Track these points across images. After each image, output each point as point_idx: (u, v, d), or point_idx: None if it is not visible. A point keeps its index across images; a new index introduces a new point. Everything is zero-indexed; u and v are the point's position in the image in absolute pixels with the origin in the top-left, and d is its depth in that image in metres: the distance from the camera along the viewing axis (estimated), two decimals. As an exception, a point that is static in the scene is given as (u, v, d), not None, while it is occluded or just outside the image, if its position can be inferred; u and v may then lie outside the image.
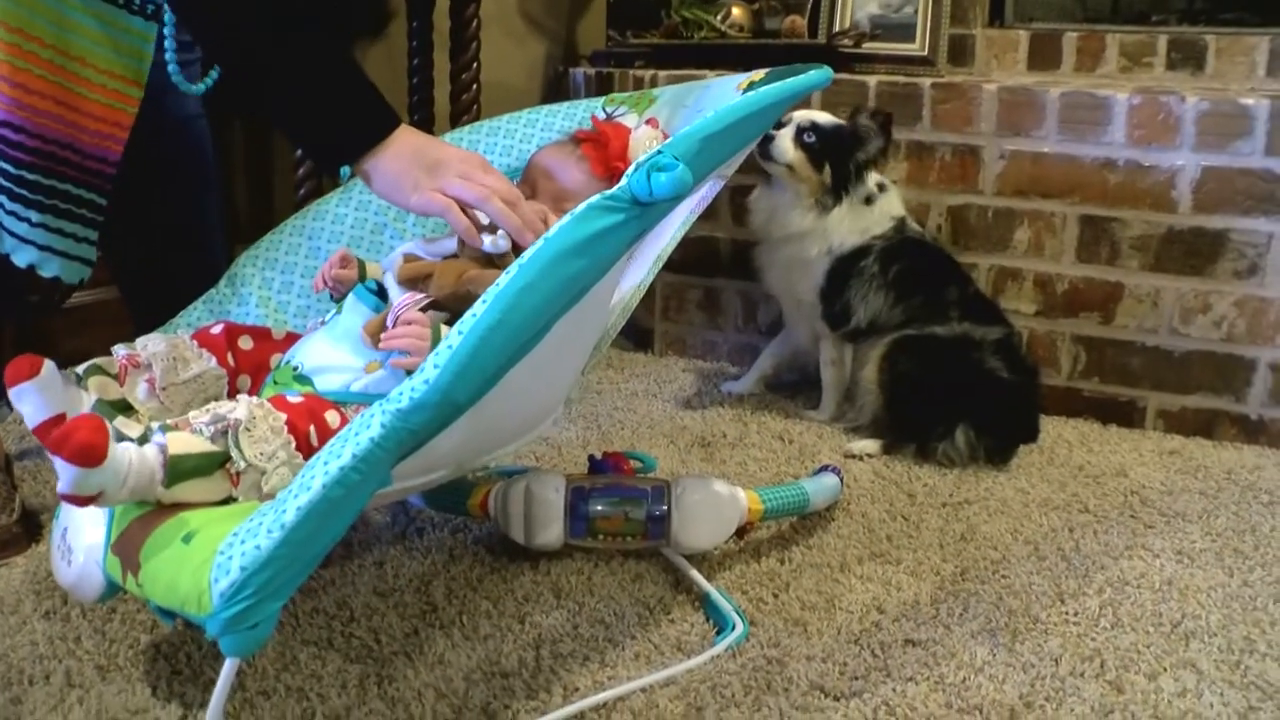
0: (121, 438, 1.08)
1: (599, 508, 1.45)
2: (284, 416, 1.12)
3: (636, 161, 1.11)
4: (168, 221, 1.71)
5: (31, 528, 1.61)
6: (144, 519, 1.06)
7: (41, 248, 1.45)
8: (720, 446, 1.96)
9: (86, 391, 1.24)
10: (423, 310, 1.22)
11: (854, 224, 2.03)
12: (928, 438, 1.93)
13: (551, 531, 1.44)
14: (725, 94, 1.51)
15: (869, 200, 2.04)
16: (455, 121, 2.55)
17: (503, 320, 1.00)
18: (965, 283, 2.08)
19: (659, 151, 1.11)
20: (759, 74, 1.48)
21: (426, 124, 2.74)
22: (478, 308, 1.01)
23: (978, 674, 1.28)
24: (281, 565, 0.93)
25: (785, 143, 1.98)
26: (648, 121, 1.45)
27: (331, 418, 1.17)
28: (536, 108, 1.67)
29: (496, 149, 1.60)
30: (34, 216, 1.43)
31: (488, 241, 1.24)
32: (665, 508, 1.45)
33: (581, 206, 1.07)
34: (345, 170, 1.37)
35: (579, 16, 3.12)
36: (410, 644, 1.33)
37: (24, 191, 1.41)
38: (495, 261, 1.24)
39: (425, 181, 1.28)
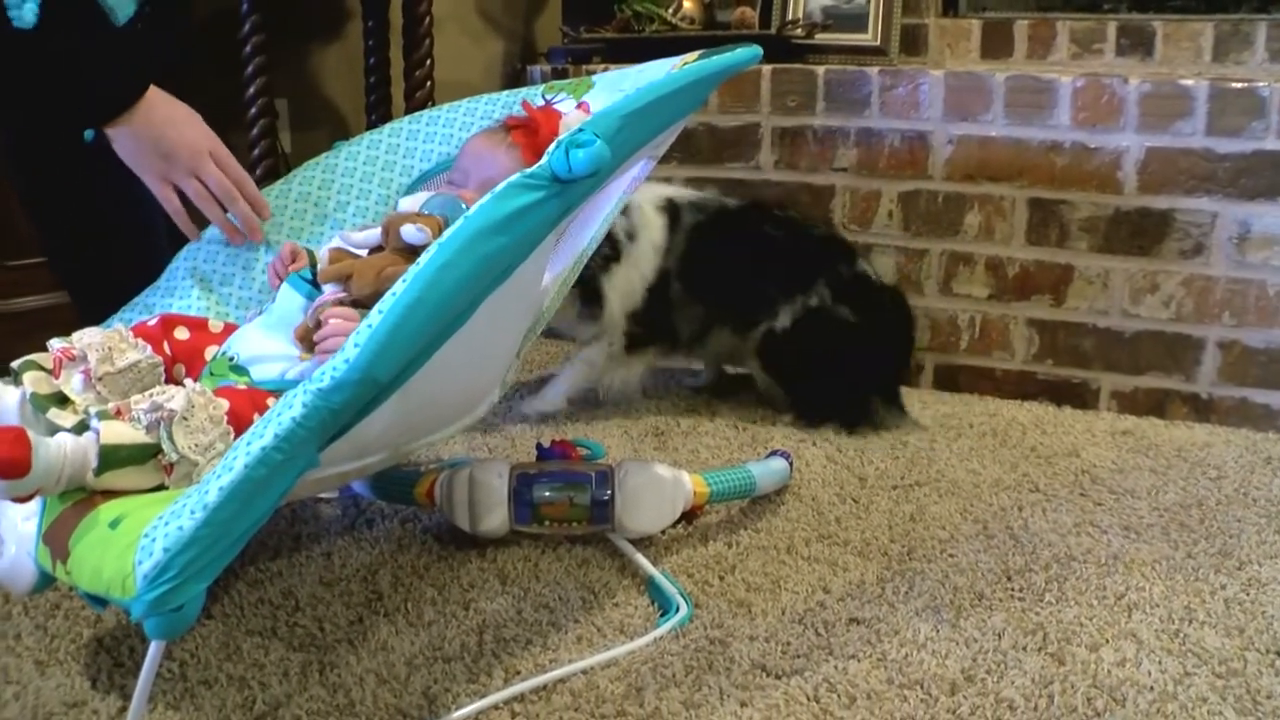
0: (55, 429, 1.08)
1: (544, 494, 1.45)
2: (225, 405, 1.12)
3: (557, 139, 1.11)
4: (108, 216, 1.70)
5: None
6: (75, 507, 1.06)
7: None
8: (673, 435, 1.97)
9: (19, 386, 1.23)
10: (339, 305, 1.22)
11: (628, 286, 2.00)
12: (847, 417, 1.99)
13: (495, 517, 1.44)
14: (659, 75, 1.51)
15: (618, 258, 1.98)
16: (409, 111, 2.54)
17: (422, 298, 1.00)
18: (784, 247, 2.06)
19: (579, 129, 1.12)
20: (693, 56, 1.49)
21: (384, 121, 2.74)
22: (397, 286, 1.01)
23: (920, 650, 1.29)
24: (204, 546, 0.93)
25: None
26: (579, 106, 1.45)
27: (265, 404, 1.17)
28: (477, 96, 1.67)
29: (437, 137, 1.61)
30: None
31: (408, 233, 1.24)
32: (609, 492, 1.45)
33: (502, 185, 1.08)
34: (89, 133, 1.45)
35: (536, 14, 3.13)
36: (354, 631, 1.32)
37: None
38: (419, 253, 1.24)
39: (159, 167, 1.41)
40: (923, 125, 2.17)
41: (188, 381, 1.20)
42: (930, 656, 1.27)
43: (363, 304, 1.21)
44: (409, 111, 2.55)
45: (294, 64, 2.80)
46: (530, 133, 1.39)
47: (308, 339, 1.21)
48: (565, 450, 1.58)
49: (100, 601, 1.03)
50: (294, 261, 1.38)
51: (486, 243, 1.05)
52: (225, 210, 1.45)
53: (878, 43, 2.59)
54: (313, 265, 1.37)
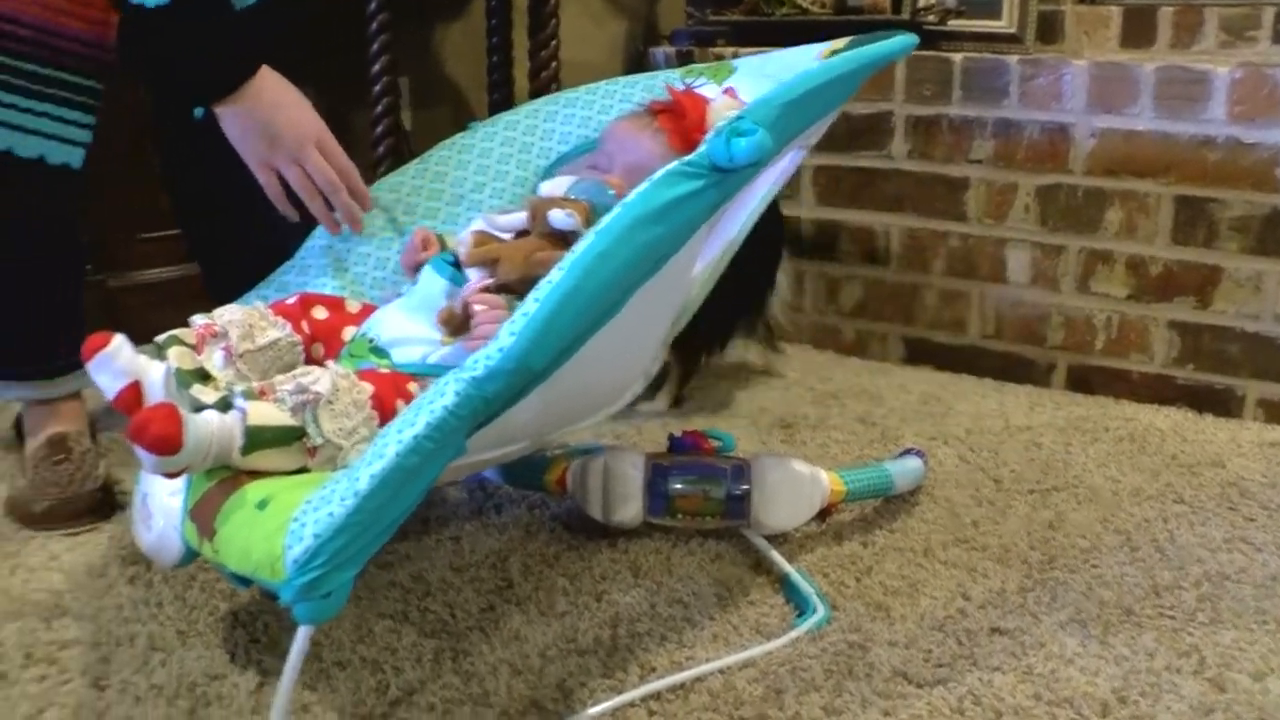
0: (200, 406, 1.08)
1: (678, 486, 1.42)
2: (369, 389, 1.11)
3: (715, 127, 1.08)
4: (240, 195, 1.71)
5: (115, 495, 1.63)
6: (221, 485, 1.05)
7: (48, 136, 1.48)
8: (801, 428, 1.93)
9: (164, 361, 1.23)
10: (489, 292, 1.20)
11: None
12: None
13: (630, 508, 1.42)
14: (805, 62, 1.47)
15: None
16: (533, 97, 2.53)
17: (578, 287, 0.98)
18: None
19: (739, 117, 1.09)
20: (840, 42, 1.44)
21: (505, 103, 2.73)
22: (554, 274, 0.99)
23: (1068, 665, 1.24)
24: (355, 533, 0.92)
25: None
26: (725, 91, 1.42)
27: (415, 391, 1.16)
28: (614, 79, 1.64)
29: (575, 119, 1.58)
30: (36, 106, 1.46)
31: (556, 218, 1.21)
32: (745, 487, 1.42)
33: (660, 173, 1.05)
34: (199, 111, 1.46)
35: (659, -6, 3.09)
36: (486, 619, 1.31)
37: (22, 81, 1.44)
38: (567, 239, 1.22)
39: (263, 150, 1.42)
40: (1064, 117, 2.10)
41: (330, 363, 1.20)
42: (1079, 673, 1.22)
43: (510, 289, 1.19)
44: (532, 92, 2.55)
45: (416, 42, 2.80)
46: (677, 118, 1.36)
47: (451, 323, 1.19)
48: (697, 441, 1.55)
49: (245, 581, 1.03)
50: (425, 249, 1.37)
51: (644, 232, 1.02)
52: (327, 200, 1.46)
53: (1013, 29, 2.51)
54: (443, 248, 1.35)
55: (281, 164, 1.43)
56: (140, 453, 1.01)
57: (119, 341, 1.17)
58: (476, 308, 1.16)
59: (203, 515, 1.05)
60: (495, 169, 1.53)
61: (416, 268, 1.37)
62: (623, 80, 1.62)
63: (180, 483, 1.11)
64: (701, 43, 2.65)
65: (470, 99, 2.97)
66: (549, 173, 1.54)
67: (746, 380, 2.18)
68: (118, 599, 1.36)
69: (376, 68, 2.43)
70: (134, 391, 1.18)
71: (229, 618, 1.31)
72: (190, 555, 1.12)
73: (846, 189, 2.32)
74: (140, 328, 1.65)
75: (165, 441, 0.99)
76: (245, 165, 1.57)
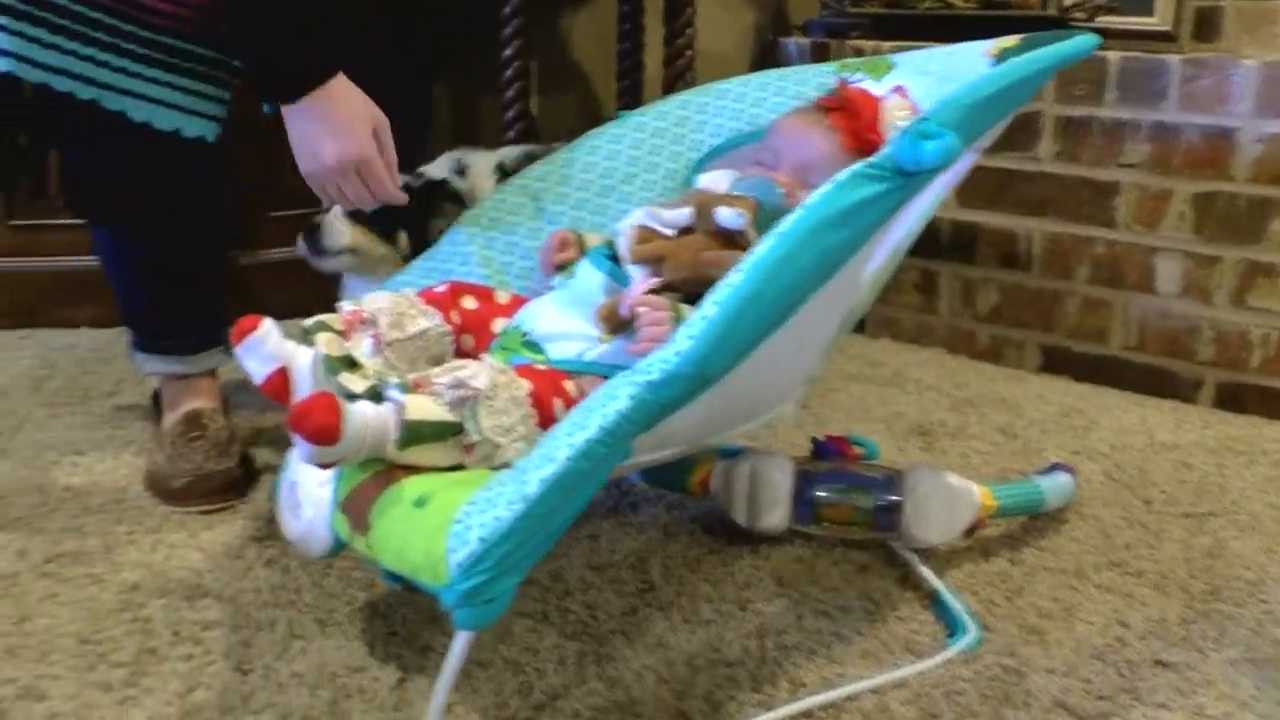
0: (349, 394, 1.06)
1: (825, 494, 1.38)
2: (527, 386, 1.08)
3: (901, 129, 1.03)
4: None
5: (252, 473, 1.63)
6: (374, 479, 1.03)
7: (185, 110, 1.49)
8: (939, 436, 1.87)
9: (312, 346, 1.22)
10: (656, 292, 1.16)
11: None
12: None
13: (776, 515, 1.38)
14: (972, 60, 1.42)
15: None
16: (668, 89, 2.49)
17: (760, 292, 0.94)
18: None
19: (924, 118, 1.04)
20: (1011, 40, 1.38)
21: (634, 91, 2.70)
22: (733, 277, 0.95)
23: (1243, 709, 1.17)
24: (521, 539, 0.89)
25: (336, 224, 1.65)
26: (896, 90, 1.36)
27: (570, 389, 1.13)
28: (766, 71, 1.59)
29: (727, 112, 1.54)
30: (175, 80, 1.47)
31: (724, 216, 1.17)
32: (896, 498, 1.37)
33: (843, 175, 1.00)
34: (267, 106, 1.41)
35: (793, -16, 3.03)
36: (628, 623, 1.28)
37: (161, 55, 1.44)
38: (732, 239, 1.17)
39: (309, 165, 1.38)
40: (1228, 121, 2.00)
41: (485, 357, 1.17)
42: (1256, 718, 1.15)
43: (675, 288, 1.15)
44: (665, 81, 2.51)
45: (545, 27, 2.78)
46: (850, 116, 1.31)
47: (612, 320, 1.16)
48: (842, 447, 1.50)
49: (398, 579, 1.00)
50: (563, 249, 1.34)
51: (827, 236, 0.98)
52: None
53: (1167, 27, 2.40)
54: (582, 248, 1.32)
55: (335, 176, 1.39)
56: (297, 441, 1.00)
57: (268, 325, 1.15)
58: (640, 310, 1.13)
59: (355, 508, 1.03)
60: (646, 160, 1.50)
61: (557, 268, 1.34)
62: (775, 73, 1.58)
63: (330, 473, 1.09)
64: (833, 34, 2.59)
65: (597, 86, 2.94)
66: (700, 166, 1.50)
67: (878, 382, 2.12)
68: (256, 582, 1.35)
69: (509, 52, 2.42)
70: (282, 377, 1.17)
71: (367, 609, 1.30)
72: (338, 547, 1.11)
73: (987, 190, 2.24)
74: (269, 307, 1.66)
75: (325, 432, 0.97)
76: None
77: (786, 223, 0.97)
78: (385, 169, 1.40)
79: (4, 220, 2.32)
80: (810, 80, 1.55)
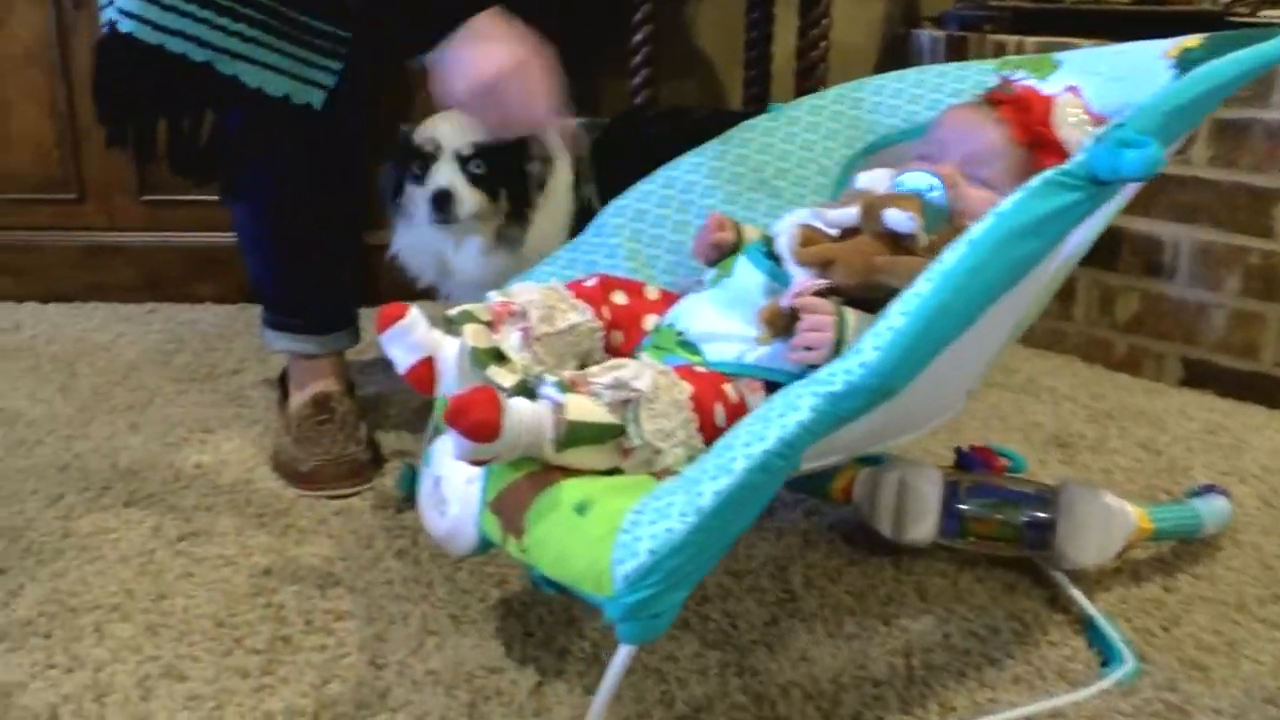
0: (496, 389, 1.03)
1: (974, 507, 1.33)
2: (689, 389, 1.05)
3: (1088, 133, 0.98)
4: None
5: (379, 457, 1.61)
6: (528, 479, 1.00)
7: (294, 76, 1.48)
8: (1079, 449, 1.80)
9: (458, 337, 1.19)
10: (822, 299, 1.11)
11: (553, 225, 1.69)
12: None
13: (924, 527, 1.32)
14: (1148, 62, 1.34)
15: (542, 186, 1.69)
16: (800, 81, 2.43)
17: (949, 303, 0.90)
18: None
19: (1120, 125, 0.98)
20: (1193, 40, 1.31)
21: (761, 81, 2.65)
22: (921, 287, 0.90)
23: None
24: (692, 552, 0.86)
25: (462, 190, 1.61)
26: (1070, 90, 1.30)
27: (730, 393, 1.09)
28: (923, 68, 1.53)
29: (882, 108, 1.49)
30: (287, 46, 1.46)
31: (894, 219, 1.11)
32: (1048, 515, 1.31)
33: (1035, 182, 0.95)
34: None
35: (926, -26, 2.95)
36: (770, 634, 1.24)
37: (277, 23, 1.44)
38: (903, 243, 1.12)
39: (481, 65, 1.32)
40: None
41: (643, 356, 1.13)
42: None
43: (839, 292, 1.10)
44: (797, 73, 2.45)
45: (668, 12, 2.73)
46: (1021, 109, 1.25)
47: (775, 323, 1.11)
48: (987, 458, 1.45)
49: (555, 586, 0.97)
50: (720, 229, 1.30)
51: (1018, 246, 0.93)
52: None
53: (1331, 27, 2.29)
54: (739, 235, 1.28)
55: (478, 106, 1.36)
56: (453, 436, 0.97)
57: (415, 314, 1.13)
58: (804, 311, 1.08)
59: (508, 510, 1.00)
60: (798, 156, 1.45)
61: (714, 252, 1.30)
62: (933, 69, 1.52)
63: (478, 469, 1.06)
64: (966, 26, 2.51)
65: (722, 75, 2.89)
66: (855, 164, 1.45)
67: (1012, 390, 2.05)
68: (387, 573, 1.34)
69: (638, 37, 2.38)
70: (427, 367, 1.15)
71: (501, 606, 1.28)
72: (485, 547, 1.08)
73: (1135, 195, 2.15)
74: (393, 288, 1.66)
75: (485, 428, 0.94)
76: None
77: (976, 231, 0.92)
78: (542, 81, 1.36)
79: (135, 194, 2.34)
80: (970, 77, 1.49)
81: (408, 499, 1.43)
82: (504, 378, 1.13)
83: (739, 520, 0.89)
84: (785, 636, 1.24)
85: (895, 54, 2.81)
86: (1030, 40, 2.26)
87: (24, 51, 2.31)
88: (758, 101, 2.61)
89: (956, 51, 2.40)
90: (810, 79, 2.42)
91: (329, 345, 1.72)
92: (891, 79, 1.51)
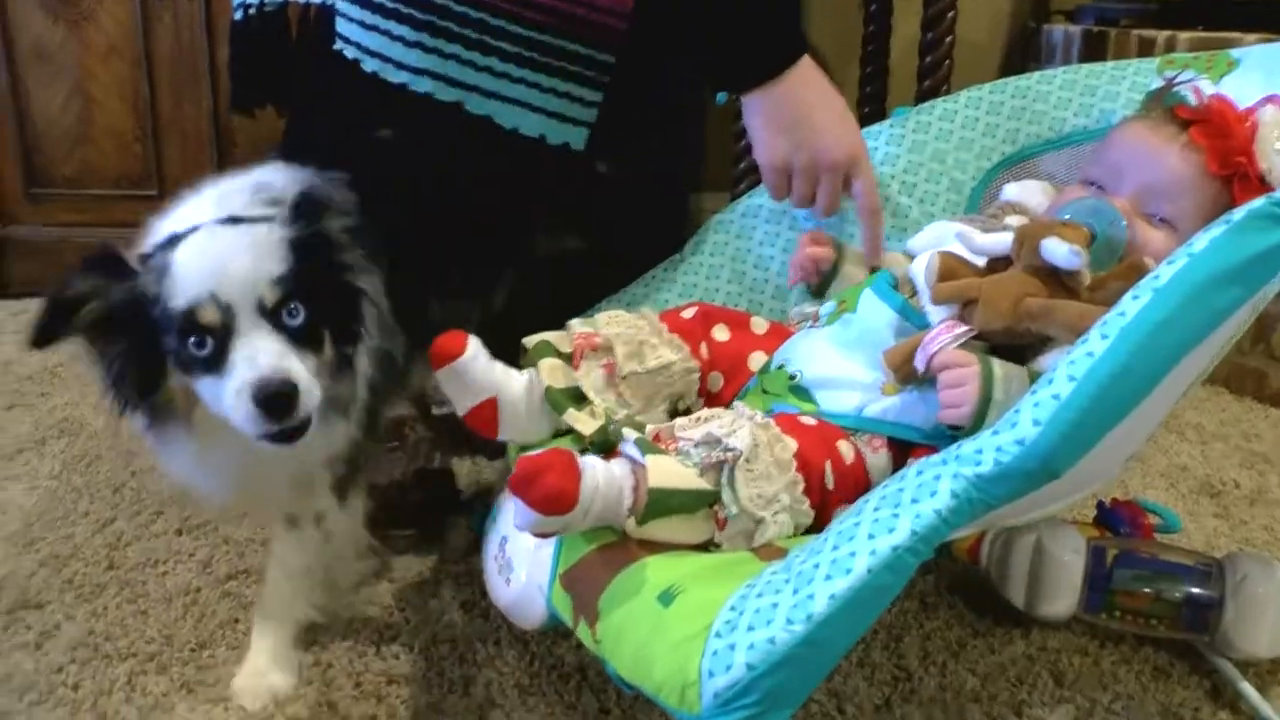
0: (562, 433, 0.88)
1: (1126, 580, 1.14)
2: (794, 445, 0.88)
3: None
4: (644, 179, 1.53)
5: (452, 490, 1.47)
6: (604, 552, 0.85)
7: (550, 114, 1.28)
8: (1234, 499, 1.59)
9: (533, 370, 1.04)
10: (965, 345, 0.93)
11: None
12: None
13: (1063, 603, 1.15)
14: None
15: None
16: (923, 80, 2.25)
17: (1129, 367, 0.72)
18: None
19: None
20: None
21: (879, 78, 2.46)
22: (1094, 344, 0.73)
23: None
24: (798, 668, 0.70)
25: (299, 372, 0.95)
26: (1268, 99, 1.10)
27: (845, 450, 0.93)
28: (1072, 67, 1.35)
29: (1025, 115, 1.31)
30: (544, 81, 1.26)
31: (1056, 252, 0.93)
32: (1212, 593, 1.13)
33: (1239, 216, 0.77)
34: (721, 96, 1.31)
35: (1056, -37, 2.74)
36: (881, 722, 1.08)
37: (534, 55, 1.25)
38: (1064, 280, 0.94)
39: (783, 152, 1.20)
40: None
41: (739, 405, 0.97)
42: None
43: (986, 338, 0.93)
44: (919, 71, 2.26)
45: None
46: (1218, 134, 1.05)
47: (903, 371, 0.94)
48: (1134, 515, 1.27)
49: (630, 685, 0.82)
50: (817, 244, 1.14)
51: (1217, 295, 0.75)
52: None
53: None
54: (839, 251, 1.12)
55: (797, 173, 1.21)
56: (516, 505, 0.82)
57: (475, 348, 0.99)
58: (943, 375, 0.91)
59: (581, 587, 0.85)
60: (928, 168, 1.28)
61: (811, 273, 1.15)
62: (1084, 69, 1.33)
63: (551, 533, 0.91)
64: (1103, 21, 2.30)
65: (835, 74, 2.71)
66: (991, 179, 1.27)
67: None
68: (450, 630, 1.20)
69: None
70: (490, 409, 1.01)
71: (576, 675, 1.13)
72: (555, 623, 0.93)
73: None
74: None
75: (559, 500, 0.80)
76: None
77: (1164, 275, 0.75)
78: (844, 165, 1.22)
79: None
80: (1126, 79, 1.30)
81: (480, 541, 1.28)
82: (584, 424, 0.98)
83: (856, 628, 0.72)
84: (899, 728, 1.07)
85: (1023, 52, 2.61)
86: (1184, 35, 2.04)
87: (108, 45, 2.23)
88: (875, 102, 2.43)
89: (1093, 50, 2.19)
90: (933, 79, 2.24)
91: None
92: (1036, 80, 1.33)
